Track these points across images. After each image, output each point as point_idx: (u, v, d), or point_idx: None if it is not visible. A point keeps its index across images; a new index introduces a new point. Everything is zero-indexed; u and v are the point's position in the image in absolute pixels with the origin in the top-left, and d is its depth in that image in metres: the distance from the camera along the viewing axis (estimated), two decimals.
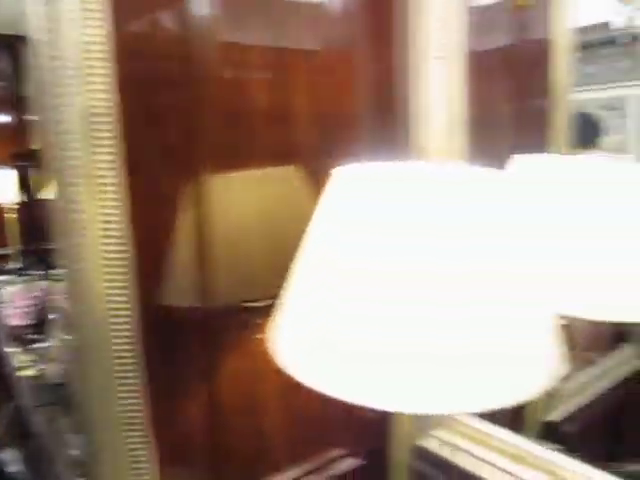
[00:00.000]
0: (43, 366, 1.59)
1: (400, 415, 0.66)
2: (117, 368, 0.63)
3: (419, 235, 0.53)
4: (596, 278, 0.77)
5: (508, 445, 0.83)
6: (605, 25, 1.54)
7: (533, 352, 0.59)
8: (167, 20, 0.71)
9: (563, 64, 1.05)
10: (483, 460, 0.82)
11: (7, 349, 1.83)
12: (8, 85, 2.54)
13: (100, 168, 0.61)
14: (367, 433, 0.67)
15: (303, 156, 0.81)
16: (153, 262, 0.71)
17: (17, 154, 2.50)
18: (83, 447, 0.66)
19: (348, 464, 0.82)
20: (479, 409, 0.56)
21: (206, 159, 0.75)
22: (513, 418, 0.96)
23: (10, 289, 2.17)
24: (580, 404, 1.22)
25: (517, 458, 0.81)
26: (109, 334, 0.63)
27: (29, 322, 1.96)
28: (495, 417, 0.99)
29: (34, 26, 0.57)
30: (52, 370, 1.51)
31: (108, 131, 0.60)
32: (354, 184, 0.58)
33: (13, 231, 2.59)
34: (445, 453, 0.85)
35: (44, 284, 2.10)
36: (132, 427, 0.64)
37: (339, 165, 0.68)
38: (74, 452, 0.88)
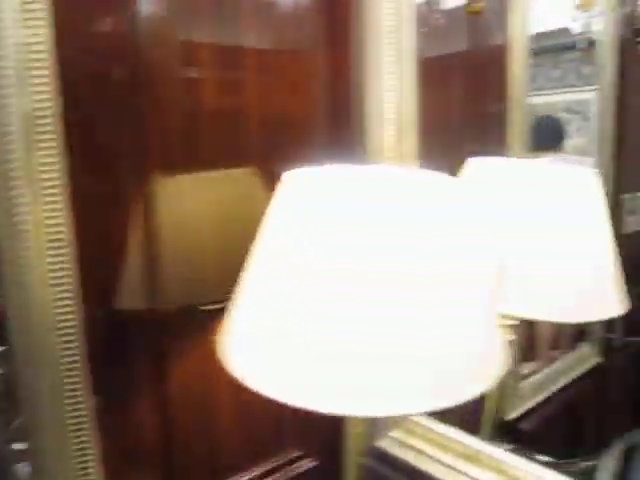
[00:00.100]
0: None
1: (353, 416, 0.66)
2: (64, 374, 0.62)
3: (369, 236, 0.54)
4: (537, 278, 0.78)
5: (462, 445, 0.84)
6: (567, 30, 1.58)
7: (479, 350, 0.59)
8: (113, 19, 0.69)
9: (519, 69, 1.07)
10: (438, 460, 0.83)
11: None
12: None
13: (43, 171, 0.59)
14: (322, 433, 0.67)
15: (256, 158, 0.80)
16: (100, 266, 0.70)
17: None
18: (28, 454, 0.64)
19: (303, 465, 0.82)
20: (428, 409, 0.56)
21: (155, 161, 0.74)
22: (471, 417, 0.98)
23: None
24: (538, 402, 1.25)
25: (471, 458, 0.82)
26: (55, 340, 0.62)
27: None
28: (453, 417, 1.00)
29: None
30: None
31: (51, 133, 0.59)
32: (304, 187, 0.58)
33: None
34: (401, 454, 0.85)
35: None
36: (79, 432, 0.63)
37: (293, 167, 0.69)
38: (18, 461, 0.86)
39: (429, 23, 0.93)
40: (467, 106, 0.99)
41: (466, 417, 0.97)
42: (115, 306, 0.72)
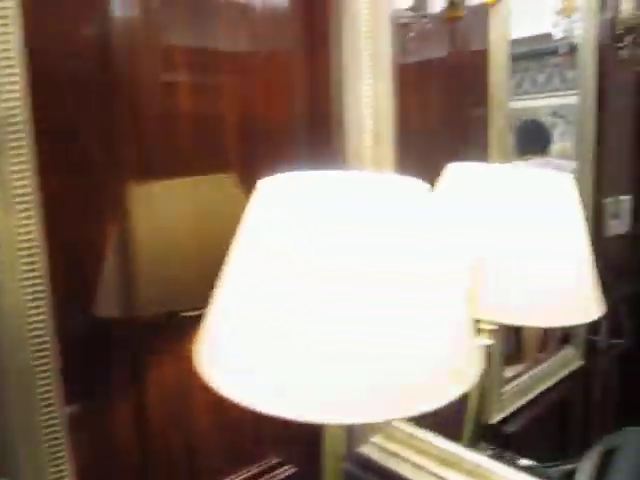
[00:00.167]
0: None
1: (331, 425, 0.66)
2: (37, 383, 0.62)
3: (342, 241, 0.54)
4: (514, 283, 0.79)
5: (443, 451, 0.84)
6: (550, 35, 1.60)
7: (455, 353, 0.59)
8: (86, 23, 0.68)
9: (500, 74, 1.08)
10: (418, 466, 0.83)
11: None
12: None
13: (15, 178, 0.59)
14: (302, 439, 0.67)
15: (235, 163, 0.80)
16: (74, 272, 0.70)
17: None
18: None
19: (283, 471, 0.82)
20: (405, 415, 0.56)
21: (130, 166, 0.73)
22: (453, 421, 0.98)
23: None
24: (522, 405, 1.25)
25: (451, 464, 0.82)
26: (28, 350, 0.61)
27: None
28: (435, 421, 1.00)
29: None
30: None
31: (20, 139, 0.59)
32: (282, 191, 0.58)
33: None
34: (381, 459, 0.85)
35: None
36: (53, 443, 0.62)
37: (271, 173, 0.69)
38: None
39: (409, 29, 0.93)
40: (448, 111, 1.00)
41: (449, 421, 0.97)
42: (90, 313, 0.71)
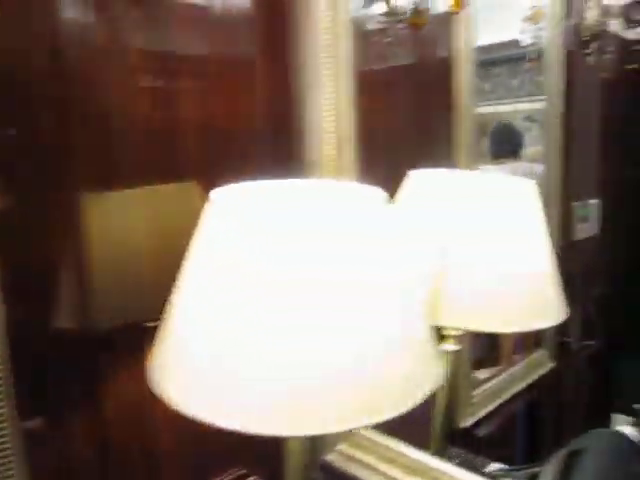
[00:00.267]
0: None
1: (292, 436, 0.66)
2: None
3: (296, 251, 0.53)
4: (476, 289, 0.79)
5: (409, 459, 0.85)
6: (517, 42, 1.62)
7: (413, 361, 0.60)
8: (36, 29, 0.67)
9: (465, 80, 1.09)
10: (385, 474, 0.83)
11: None
12: None
13: None
14: (266, 450, 0.66)
15: (195, 171, 0.79)
16: (27, 289, 0.68)
17: None
18: None
19: None
20: (364, 424, 0.56)
21: (84, 176, 0.71)
22: (425, 426, 0.98)
23: None
24: (493, 409, 1.26)
25: (416, 472, 0.82)
26: None
27: None
28: (403, 428, 1.00)
29: None
30: None
31: None
32: (232, 204, 0.57)
33: None
34: (348, 467, 0.85)
35: None
36: (4, 466, 0.61)
37: (233, 181, 0.68)
38: None
39: (372, 35, 0.94)
40: (413, 118, 1.00)
41: (420, 427, 0.98)
42: (45, 327, 0.70)
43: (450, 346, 0.91)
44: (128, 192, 0.74)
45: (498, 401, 1.29)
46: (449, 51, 1.06)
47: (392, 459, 0.85)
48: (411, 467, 0.84)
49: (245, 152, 0.82)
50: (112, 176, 0.73)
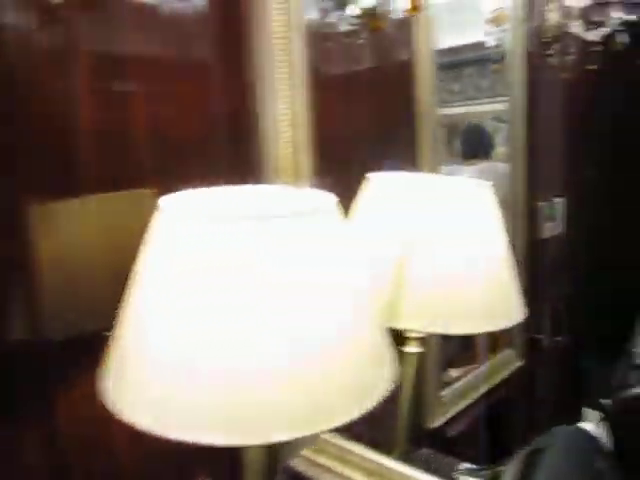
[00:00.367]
0: None
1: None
2: None
3: (240, 257, 0.53)
4: (435, 292, 0.79)
5: (374, 463, 0.85)
6: (483, 44, 1.64)
7: (363, 366, 0.60)
8: None
9: (426, 82, 1.09)
10: (349, 479, 0.83)
11: None
12: None
13: None
14: (229, 456, 0.66)
15: (150, 178, 0.77)
16: None
17: None
18: None
19: None
20: (317, 430, 0.56)
21: (29, 185, 0.70)
22: (393, 427, 0.98)
23: None
24: (462, 409, 1.27)
25: (381, 477, 0.82)
26: None
27: None
28: (371, 431, 1.00)
29: None
30: None
31: None
32: (180, 211, 0.57)
33: None
34: (312, 473, 0.85)
35: None
36: None
37: (190, 187, 0.68)
38: None
39: (330, 37, 0.94)
40: (374, 121, 1.00)
41: (388, 431, 0.98)
42: None
43: (413, 348, 0.91)
44: (79, 200, 0.72)
45: (468, 401, 1.30)
46: (410, 54, 1.07)
47: (356, 464, 0.85)
48: (375, 471, 0.84)
49: (200, 157, 0.81)
50: (62, 183, 0.71)
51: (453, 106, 1.73)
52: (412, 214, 0.81)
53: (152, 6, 0.79)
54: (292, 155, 0.78)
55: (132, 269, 0.60)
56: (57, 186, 0.72)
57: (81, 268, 0.72)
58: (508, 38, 1.46)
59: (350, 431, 0.94)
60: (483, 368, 1.38)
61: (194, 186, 0.67)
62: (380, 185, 0.84)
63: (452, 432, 1.27)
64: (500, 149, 1.70)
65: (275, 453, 0.82)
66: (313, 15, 0.93)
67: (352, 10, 0.95)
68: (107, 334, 0.64)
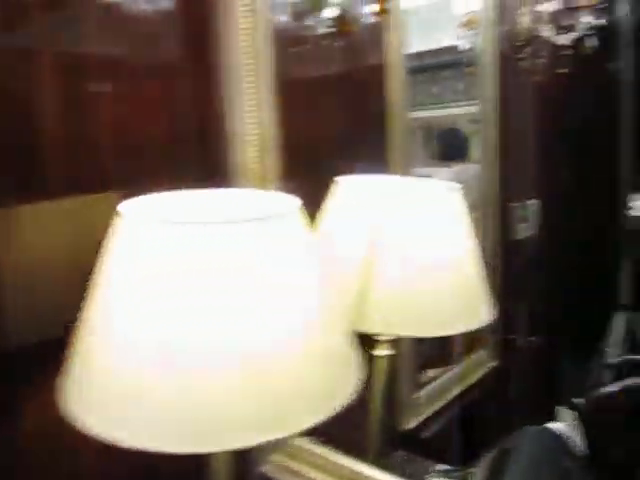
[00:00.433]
0: None
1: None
2: None
3: (200, 263, 0.53)
4: (401, 296, 0.80)
5: (345, 468, 0.84)
6: (456, 47, 1.65)
7: (330, 371, 0.59)
8: None
9: (397, 86, 1.10)
10: None
11: None
12: None
13: None
14: (194, 463, 0.65)
15: (116, 181, 0.76)
16: None
17: None
18: None
19: None
20: (279, 435, 0.55)
21: None
22: (366, 431, 0.98)
23: None
24: (436, 410, 1.27)
25: None
26: None
27: None
28: (346, 430, 1.00)
29: None
30: None
31: None
32: (139, 217, 0.56)
33: None
34: (284, 478, 0.84)
35: None
36: None
37: (156, 190, 0.67)
38: None
39: (298, 41, 0.94)
40: (344, 125, 1.00)
41: (361, 428, 0.97)
42: None
43: (383, 351, 0.91)
44: (42, 203, 0.71)
45: (442, 402, 1.30)
46: (381, 57, 1.07)
47: (327, 469, 0.85)
48: (347, 476, 0.84)
49: (166, 160, 0.80)
50: (24, 186, 0.70)
51: (431, 109, 1.75)
52: (380, 217, 0.81)
53: (117, 5, 0.78)
54: (259, 158, 0.78)
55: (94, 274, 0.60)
56: (19, 189, 0.70)
57: (45, 272, 0.71)
58: (480, 42, 1.48)
59: (323, 435, 0.94)
60: (458, 369, 1.39)
61: (160, 189, 0.67)
62: (348, 188, 0.84)
63: (427, 433, 1.28)
64: (476, 151, 1.71)
65: (243, 459, 0.81)
66: (283, 18, 0.93)
67: (323, 14, 0.95)
68: (69, 339, 0.63)
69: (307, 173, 0.90)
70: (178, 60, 0.82)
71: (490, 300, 0.87)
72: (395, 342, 0.93)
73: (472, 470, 0.93)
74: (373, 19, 1.02)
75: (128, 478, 0.82)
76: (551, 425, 0.97)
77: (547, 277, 1.60)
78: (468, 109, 1.65)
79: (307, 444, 0.88)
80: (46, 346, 0.70)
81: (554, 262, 1.57)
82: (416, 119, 1.72)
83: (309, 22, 0.94)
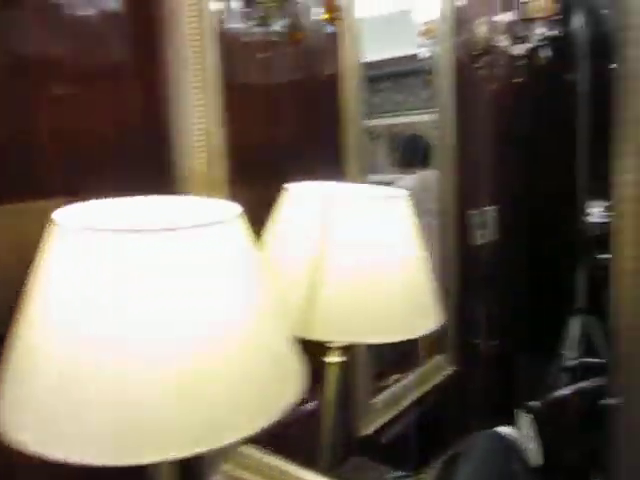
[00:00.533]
0: None
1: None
2: None
3: (131, 272, 0.52)
4: (348, 303, 0.80)
5: (293, 477, 0.84)
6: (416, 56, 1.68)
7: (271, 372, 0.59)
8: None
9: (352, 94, 1.11)
10: None
11: None
12: None
13: None
14: (137, 474, 0.63)
15: (58, 188, 0.74)
16: None
17: None
18: None
19: None
20: (213, 446, 0.55)
21: None
22: (326, 435, 0.97)
23: None
24: (394, 415, 1.28)
25: None
26: None
27: None
28: (300, 437, 0.99)
29: None
30: None
31: None
32: (74, 225, 0.55)
33: None
34: None
35: None
36: None
37: (97, 197, 0.66)
38: None
39: (250, 48, 0.93)
40: (296, 132, 1.00)
41: (318, 434, 0.97)
42: None
43: (335, 358, 0.91)
44: None
45: (401, 407, 1.31)
46: (336, 66, 1.08)
47: (277, 478, 0.84)
48: None
49: (111, 167, 0.79)
50: None
51: (396, 116, 1.77)
52: (328, 223, 0.81)
53: (60, 5, 0.76)
54: (206, 165, 0.78)
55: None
56: None
57: None
58: (438, 50, 1.50)
59: (275, 444, 0.93)
60: (416, 374, 1.40)
61: (105, 196, 0.66)
62: (297, 195, 0.85)
63: (385, 439, 1.28)
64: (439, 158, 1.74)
65: (191, 470, 0.80)
66: (233, 24, 0.92)
67: (275, 21, 0.96)
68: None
69: (257, 180, 0.90)
70: (124, 62, 0.80)
71: (440, 305, 0.88)
72: (348, 348, 0.93)
73: (423, 476, 0.94)
74: (328, 28, 1.03)
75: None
76: (501, 429, 0.99)
77: (505, 282, 1.63)
78: (431, 117, 1.67)
79: (257, 453, 0.87)
80: None
81: (512, 267, 1.60)
82: (380, 126, 1.74)
83: (260, 29, 0.94)
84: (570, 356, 1.54)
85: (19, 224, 0.74)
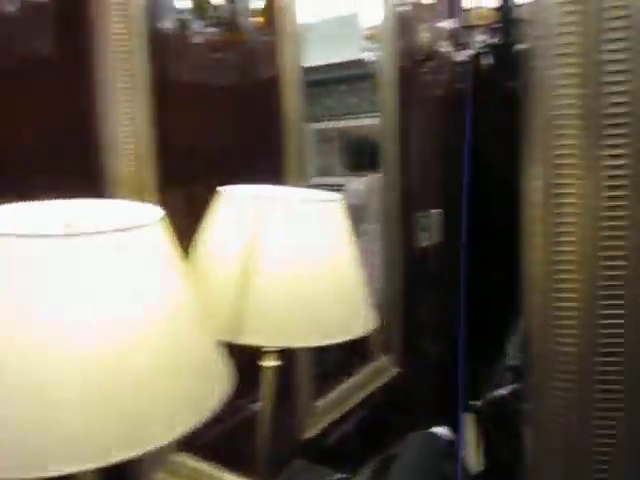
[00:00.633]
0: None
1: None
2: None
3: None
4: (279, 307, 0.79)
5: None
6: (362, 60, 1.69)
7: (193, 377, 0.58)
8: None
9: (293, 98, 1.10)
10: None
11: None
12: None
13: None
14: None
15: None
16: None
17: None
18: None
19: None
20: (129, 456, 0.53)
21: None
22: (264, 439, 0.96)
23: None
24: (336, 418, 1.28)
25: None
26: None
27: None
28: (237, 442, 0.98)
29: None
30: None
31: None
32: None
33: None
34: None
35: None
36: None
37: (19, 201, 0.63)
38: None
39: (183, 49, 0.92)
40: (232, 135, 0.99)
41: (260, 437, 0.96)
42: None
43: (270, 362, 0.90)
44: None
45: (343, 409, 1.31)
46: (276, 69, 1.07)
47: None
48: None
49: (36, 171, 0.75)
50: None
51: (347, 119, 1.78)
52: (259, 226, 0.80)
53: None
54: (135, 168, 0.75)
55: None
56: None
57: None
58: (382, 55, 1.51)
59: (210, 451, 0.92)
60: (360, 375, 1.41)
61: (28, 199, 0.63)
62: (230, 198, 0.83)
63: (327, 442, 1.28)
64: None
65: (122, 478, 0.78)
66: (165, 24, 0.91)
67: (207, 23, 0.94)
68: None
69: (191, 182, 0.88)
70: (48, 60, 0.77)
71: (373, 307, 0.89)
72: (284, 352, 0.93)
73: (358, 477, 0.94)
74: (268, 32, 1.02)
75: None
76: (436, 429, 1.00)
77: (450, 283, 1.67)
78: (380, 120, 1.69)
79: (190, 461, 0.86)
80: None
81: (457, 269, 1.64)
82: (334, 129, 1.75)
83: (193, 30, 0.92)
84: (514, 355, 1.58)
85: None
